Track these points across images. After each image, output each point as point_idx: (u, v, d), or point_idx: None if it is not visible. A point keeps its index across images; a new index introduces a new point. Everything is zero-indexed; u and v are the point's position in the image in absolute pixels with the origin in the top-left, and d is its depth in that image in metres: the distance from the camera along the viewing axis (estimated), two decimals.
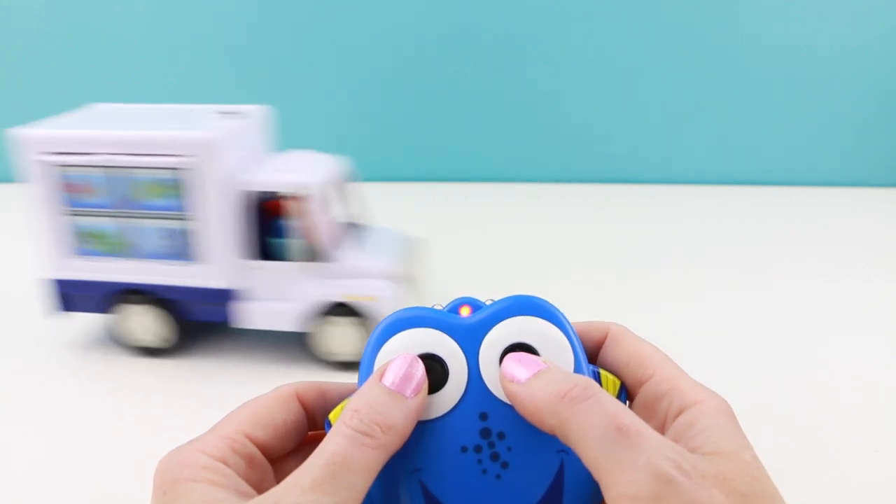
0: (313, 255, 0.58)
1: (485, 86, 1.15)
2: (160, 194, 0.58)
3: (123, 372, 0.62)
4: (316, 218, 0.57)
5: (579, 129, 1.18)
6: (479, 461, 0.26)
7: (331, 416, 0.26)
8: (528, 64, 1.14)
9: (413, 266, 0.62)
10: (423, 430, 0.26)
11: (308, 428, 0.27)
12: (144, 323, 0.62)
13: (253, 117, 0.63)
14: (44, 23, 1.13)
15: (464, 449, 0.26)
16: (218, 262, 0.59)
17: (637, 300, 0.76)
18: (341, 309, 0.58)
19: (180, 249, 0.59)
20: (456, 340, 0.27)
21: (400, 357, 0.26)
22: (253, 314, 0.60)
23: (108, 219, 0.60)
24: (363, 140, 1.18)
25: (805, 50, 1.11)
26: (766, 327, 0.70)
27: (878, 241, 0.94)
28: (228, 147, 0.57)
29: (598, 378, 0.27)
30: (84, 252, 0.61)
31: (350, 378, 0.28)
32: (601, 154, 1.19)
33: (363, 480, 0.23)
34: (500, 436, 0.26)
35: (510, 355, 0.26)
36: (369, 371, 0.26)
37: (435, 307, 0.28)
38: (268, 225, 0.60)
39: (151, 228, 0.59)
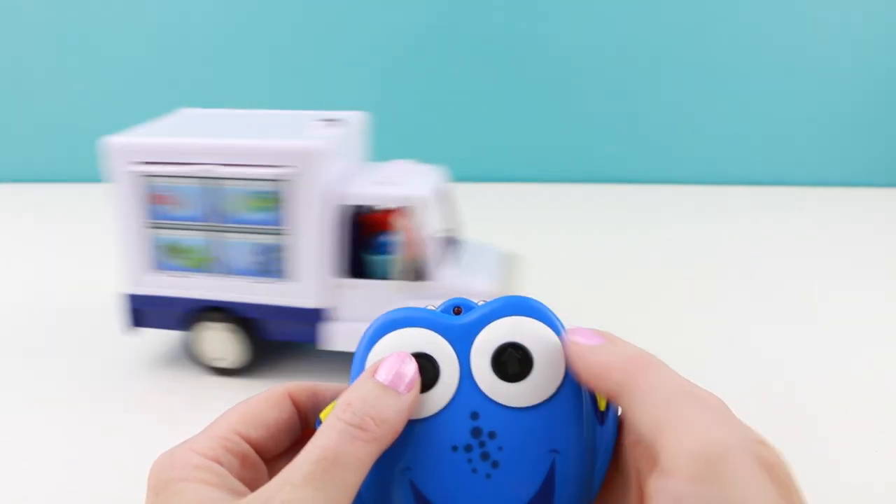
0: (413, 273, 0.55)
1: (485, 86, 1.15)
2: (254, 207, 0.55)
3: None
4: (418, 233, 0.54)
5: (579, 129, 1.18)
6: (470, 460, 0.26)
7: (322, 415, 0.26)
8: (529, 64, 1.14)
9: (511, 283, 0.59)
10: (413, 429, 0.26)
11: (301, 428, 0.27)
12: (222, 342, 0.59)
13: (353, 124, 0.61)
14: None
15: (454, 448, 0.26)
16: (309, 279, 0.56)
17: (637, 300, 0.76)
18: None
19: (270, 266, 0.57)
20: (448, 340, 0.27)
21: (393, 355, 0.26)
22: (342, 335, 0.58)
23: (196, 232, 0.57)
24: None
25: (805, 50, 1.12)
26: (765, 327, 0.69)
27: (879, 241, 0.94)
28: (330, 157, 0.55)
29: None
30: (165, 266, 0.59)
31: None
32: (601, 154, 1.19)
33: (355, 475, 0.23)
34: (491, 435, 0.26)
35: (574, 328, 0.26)
36: (361, 370, 0.26)
37: (428, 307, 0.28)
38: (364, 241, 0.58)
39: (241, 244, 0.57)
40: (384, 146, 1.17)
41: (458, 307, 0.28)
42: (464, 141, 1.18)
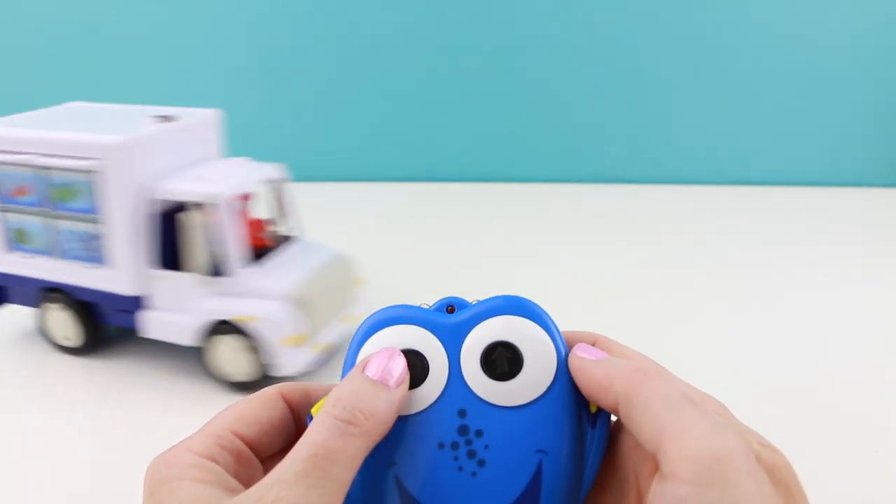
0: (214, 269, 0.57)
1: (485, 86, 1.15)
2: (75, 196, 0.58)
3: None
4: (221, 230, 0.56)
5: (579, 129, 1.18)
6: (456, 458, 0.26)
7: (312, 410, 0.26)
8: (529, 64, 1.14)
9: (324, 288, 0.59)
10: (400, 426, 0.26)
11: (295, 427, 0.28)
12: (64, 322, 0.63)
13: (193, 122, 0.63)
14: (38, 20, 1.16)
15: (440, 445, 0.26)
16: (125, 267, 0.59)
17: (637, 300, 0.75)
18: (230, 328, 0.56)
19: (94, 253, 0.60)
20: (438, 338, 0.27)
21: (382, 350, 0.27)
22: (153, 324, 0.60)
23: (34, 217, 0.61)
24: (363, 140, 1.19)
25: (805, 50, 1.11)
26: (765, 327, 0.69)
27: (878, 241, 0.94)
28: (145, 152, 0.57)
29: None
30: (17, 248, 0.63)
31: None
32: (601, 154, 1.19)
33: (348, 471, 0.23)
34: (478, 433, 0.26)
35: (578, 345, 0.27)
36: (352, 366, 0.27)
37: (422, 306, 0.28)
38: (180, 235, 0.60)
39: (70, 230, 0.60)
40: (384, 146, 1.24)
41: (451, 306, 0.28)
42: (464, 141, 1.19)
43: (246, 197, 0.61)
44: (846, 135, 1.16)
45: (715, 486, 0.20)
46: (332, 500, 0.23)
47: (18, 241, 0.63)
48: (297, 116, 1.20)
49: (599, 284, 0.79)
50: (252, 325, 0.55)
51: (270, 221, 0.64)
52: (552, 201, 1.11)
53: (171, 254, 0.59)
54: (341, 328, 0.62)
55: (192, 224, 0.54)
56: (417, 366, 0.26)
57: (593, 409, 0.26)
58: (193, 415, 0.55)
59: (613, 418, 0.26)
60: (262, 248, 0.62)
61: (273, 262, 0.60)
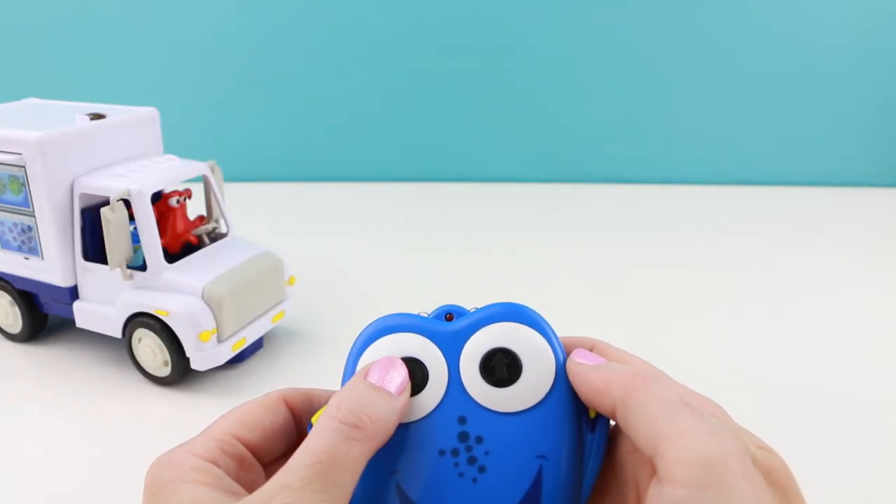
0: (143, 263, 0.58)
1: (485, 86, 1.15)
2: (7, 189, 0.60)
3: None
4: (141, 226, 0.57)
5: (579, 129, 1.18)
6: (456, 465, 0.26)
7: (313, 419, 0.26)
8: (528, 64, 1.13)
9: (243, 284, 0.59)
10: (401, 433, 0.26)
11: (297, 432, 0.28)
12: (5, 310, 0.65)
13: (128, 119, 0.64)
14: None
15: (441, 452, 0.26)
16: (56, 259, 0.60)
17: (636, 300, 0.76)
18: (150, 322, 0.57)
19: (30, 244, 0.62)
20: (437, 345, 0.27)
21: (383, 359, 0.27)
22: (85, 314, 0.61)
23: None
24: (363, 140, 1.19)
25: (805, 50, 1.11)
26: (765, 326, 0.69)
27: (878, 241, 0.94)
28: (72, 148, 0.59)
29: None
30: None
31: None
32: (601, 154, 1.19)
33: (351, 476, 0.23)
34: (478, 440, 0.26)
35: (576, 351, 0.27)
36: (352, 373, 0.27)
37: (420, 314, 0.28)
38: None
39: (8, 221, 0.62)
40: (384, 146, 1.24)
41: (450, 314, 0.28)
42: (464, 141, 1.19)
43: (181, 193, 0.62)
44: (846, 135, 1.16)
45: (711, 489, 0.20)
46: (342, 495, 0.23)
47: None
48: (288, 117, 1.19)
49: (599, 284, 0.79)
50: (168, 320, 0.56)
51: (204, 219, 0.65)
52: (552, 201, 1.11)
53: (98, 249, 0.61)
54: (268, 325, 0.63)
55: (111, 219, 0.55)
56: (417, 373, 0.27)
57: (592, 415, 0.26)
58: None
59: (612, 423, 0.26)
60: (192, 245, 0.63)
61: (196, 258, 0.60)
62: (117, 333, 0.60)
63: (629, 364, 0.27)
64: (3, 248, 0.63)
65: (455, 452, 0.26)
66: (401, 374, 0.27)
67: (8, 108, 0.70)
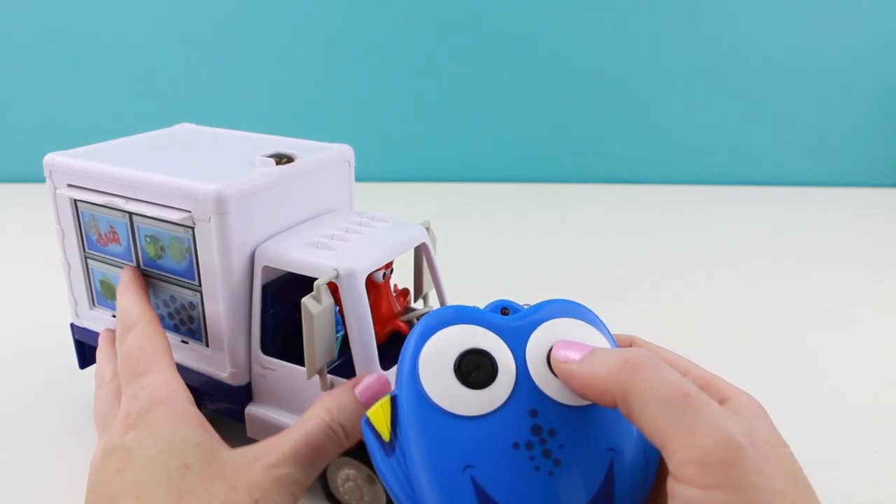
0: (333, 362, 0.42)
1: (485, 86, 1.14)
2: (165, 253, 0.45)
3: None
4: (351, 314, 0.40)
5: (579, 129, 1.18)
6: (532, 458, 0.26)
7: (369, 413, 0.28)
8: (529, 64, 1.13)
9: None
10: (473, 427, 0.26)
11: None
12: None
13: (319, 161, 0.48)
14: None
15: (515, 445, 0.26)
16: (225, 349, 0.45)
17: (636, 300, 0.75)
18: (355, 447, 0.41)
19: (191, 324, 0.46)
20: (502, 338, 0.28)
21: (374, 375, 0.36)
22: (258, 424, 0.45)
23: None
24: (364, 140, 1.09)
25: (805, 50, 1.11)
26: (765, 327, 0.69)
27: (878, 241, 0.94)
28: (254, 205, 0.43)
29: None
30: (104, 304, 0.51)
31: None
32: (601, 154, 1.19)
33: (325, 462, 0.34)
34: (551, 433, 0.26)
35: (558, 342, 0.28)
36: (412, 364, 0.28)
37: (476, 307, 0.29)
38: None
39: (163, 293, 0.47)
40: (384, 146, 1.15)
41: (505, 308, 0.29)
42: (464, 141, 1.17)
43: (387, 265, 0.45)
44: (846, 135, 1.15)
45: (722, 488, 0.20)
46: (309, 480, 0.33)
47: (106, 295, 0.51)
48: (284, 120, 1.16)
49: (599, 284, 0.79)
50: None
51: (408, 294, 0.49)
52: (552, 201, 1.10)
53: (286, 338, 0.45)
54: None
55: (315, 312, 0.38)
56: (486, 366, 0.27)
57: None
58: None
59: None
60: (395, 332, 0.47)
61: None
62: None
63: (670, 360, 0.29)
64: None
65: (529, 445, 0.26)
66: (383, 392, 0.35)
67: (158, 137, 0.55)
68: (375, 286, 0.45)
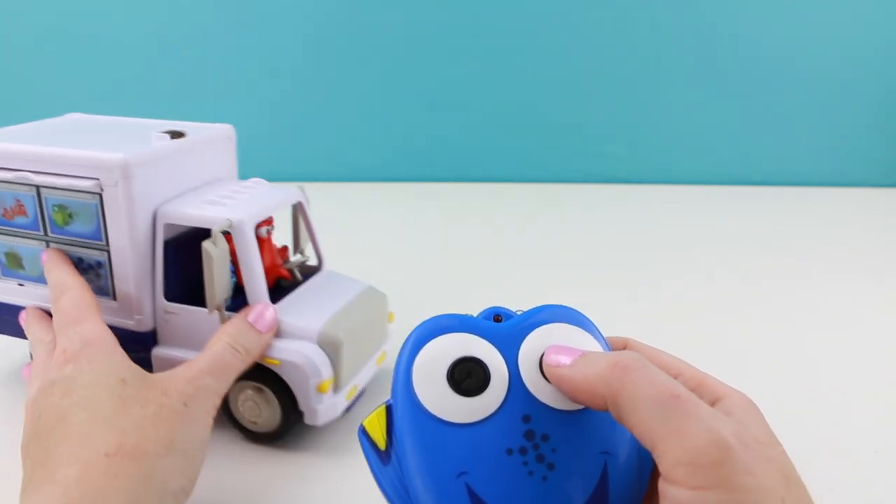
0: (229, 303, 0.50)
1: (485, 86, 1.15)
2: (75, 219, 0.52)
3: None
4: (244, 260, 0.49)
5: (579, 129, 1.18)
6: (525, 463, 0.26)
7: (365, 423, 0.29)
8: (529, 64, 1.14)
9: (358, 326, 0.53)
10: (467, 434, 0.26)
11: None
12: None
13: (206, 138, 0.56)
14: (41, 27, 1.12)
15: (509, 451, 0.26)
16: (132, 300, 0.52)
17: (636, 300, 0.75)
18: (252, 371, 0.50)
19: (98, 282, 0.53)
20: (494, 345, 0.28)
21: (262, 303, 0.46)
22: (165, 363, 0.53)
23: (29, 241, 0.54)
24: (363, 140, 1.17)
25: (805, 50, 1.12)
26: (765, 327, 0.69)
27: (878, 241, 0.94)
28: (154, 172, 0.51)
29: None
30: (9, 274, 0.57)
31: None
32: (601, 154, 1.20)
33: (231, 378, 0.43)
34: (545, 438, 0.26)
35: (549, 347, 0.27)
36: (406, 373, 0.28)
37: (469, 315, 0.29)
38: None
39: (72, 255, 0.53)
40: (384, 146, 1.20)
41: (498, 315, 0.29)
42: (464, 141, 1.19)
43: (268, 222, 0.54)
44: (846, 135, 1.17)
45: (712, 489, 0.20)
46: (223, 389, 0.42)
47: (11, 266, 0.56)
48: (285, 120, 1.17)
49: (598, 284, 0.79)
50: (279, 370, 0.49)
51: (287, 250, 0.58)
52: (552, 201, 1.11)
53: (183, 286, 0.53)
54: (374, 369, 0.56)
55: (214, 254, 0.47)
56: (479, 373, 0.27)
57: None
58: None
59: None
60: (281, 279, 0.56)
61: (298, 297, 0.53)
62: None
63: (663, 361, 0.29)
64: None
65: (523, 451, 0.26)
66: (270, 317, 0.46)
67: (50, 125, 0.61)
68: (261, 240, 0.54)
